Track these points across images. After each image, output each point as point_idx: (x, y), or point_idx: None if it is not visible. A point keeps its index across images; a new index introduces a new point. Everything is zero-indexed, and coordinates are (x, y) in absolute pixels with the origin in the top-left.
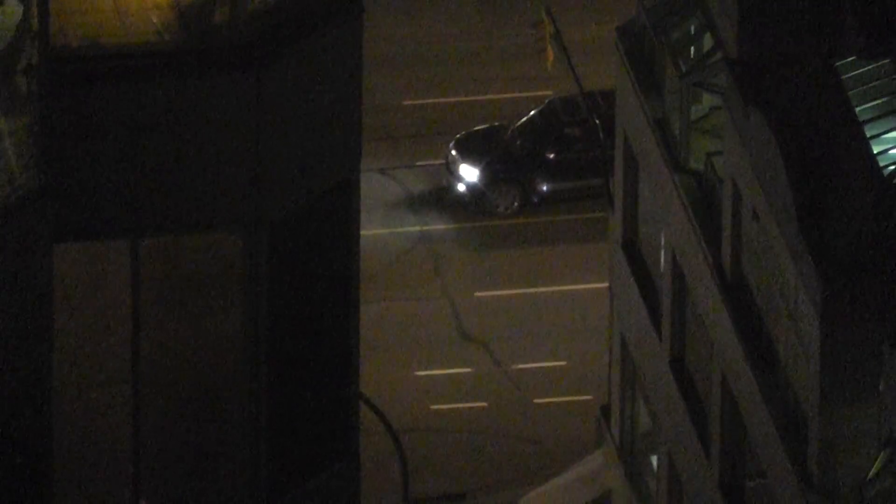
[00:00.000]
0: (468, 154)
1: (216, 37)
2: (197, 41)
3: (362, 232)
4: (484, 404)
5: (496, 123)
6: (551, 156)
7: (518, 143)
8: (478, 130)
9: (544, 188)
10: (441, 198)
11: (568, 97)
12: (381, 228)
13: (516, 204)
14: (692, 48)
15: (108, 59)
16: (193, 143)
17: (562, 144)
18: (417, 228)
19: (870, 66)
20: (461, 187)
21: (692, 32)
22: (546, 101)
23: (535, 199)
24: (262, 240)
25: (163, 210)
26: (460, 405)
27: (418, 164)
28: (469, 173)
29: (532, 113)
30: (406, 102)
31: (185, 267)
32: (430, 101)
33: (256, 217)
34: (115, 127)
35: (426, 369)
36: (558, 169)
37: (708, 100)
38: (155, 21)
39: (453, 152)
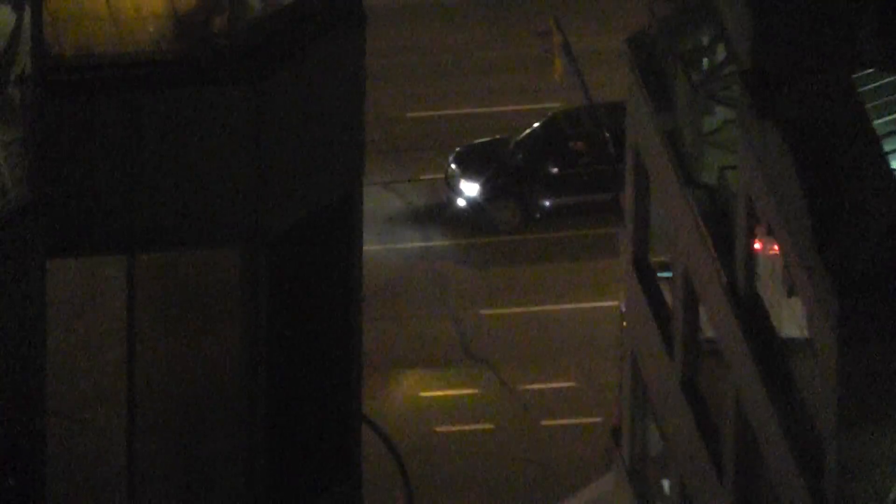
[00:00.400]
0: (468, 168)
1: (214, 47)
2: (195, 51)
3: (364, 248)
4: (490, 426)
5: (497, 137)
6: (554, 170)
7: (519, 157)
8: (478, 144)
9: (546, 204)
10: (441, 213)
11: (571, 110)
12: (382, 244)
13: (517, 220)
14: (705, 59)
15: (104, 69)
16: (191, 156)
17: (565, 158)
18: (420, 244)
19: (889, 79)
20: (461, 202)
21: (705, 43)
22: (549, 113)
23: (537, 215)
24: (262, 256)
25: (159, 225)
26: (466, 427)
27: (422, 177)
28: (469, 188)
29: (534, 126)
30: (410, 114)
31: (183, 283)
32: (435, 113)
33: (256, 232)
34: (110, 139)
35: (430, 389)
36: (561, 184)
37: (721, 112)
38: (152, 30)
39: (453, 166)
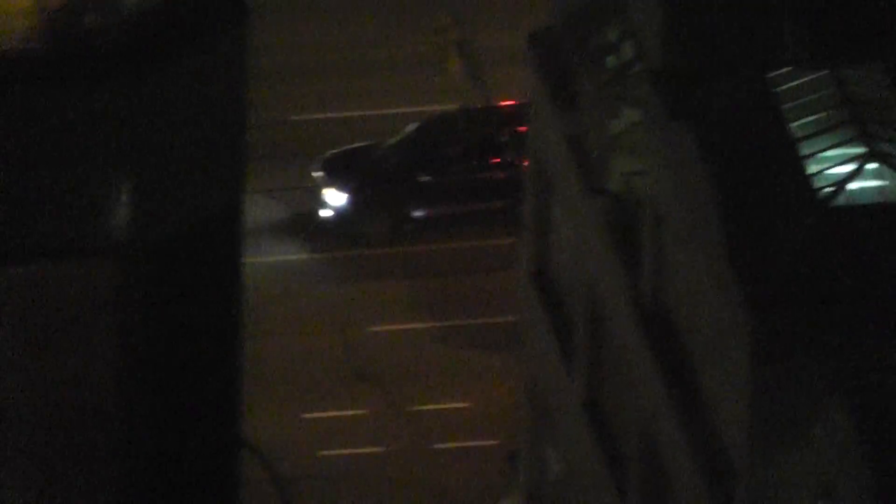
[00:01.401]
0: (336, 176)
1: (86, 44)
2: (65, 48)
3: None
4: (379, 449)
5: (369, 142)
6: (426, 178)
7: (390, 163)
8: (348, 150)
9: (417, 214)
10: (310, 224)
11: (448, 113)
12: (265, 256)
13: (388, 231)
14: (611, 57)
15: None
16: (62, 159)
17: (438, 166)
18: (305, 256)
19: (807, 78)
20: (326, 213)
21: (612, 41)
22: (423, 118)
23: (407, 227)
24: (138, 268)
25: (24, 235)
26: (353, 451)
27: (306, 185)
28: (335, 198)
29: (406, 130)
30: (293, 117)
31: (49, 297)
32: (320, 116)
33: (131, 243)
34: None
35: (314, 411)
36: (433, 193)
37: (628, 115)
38: (21, 27)
39: (319, 174)
